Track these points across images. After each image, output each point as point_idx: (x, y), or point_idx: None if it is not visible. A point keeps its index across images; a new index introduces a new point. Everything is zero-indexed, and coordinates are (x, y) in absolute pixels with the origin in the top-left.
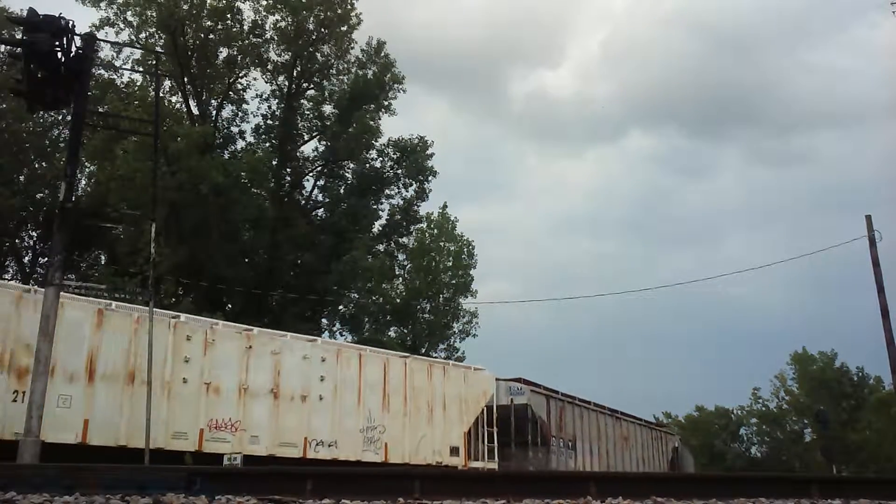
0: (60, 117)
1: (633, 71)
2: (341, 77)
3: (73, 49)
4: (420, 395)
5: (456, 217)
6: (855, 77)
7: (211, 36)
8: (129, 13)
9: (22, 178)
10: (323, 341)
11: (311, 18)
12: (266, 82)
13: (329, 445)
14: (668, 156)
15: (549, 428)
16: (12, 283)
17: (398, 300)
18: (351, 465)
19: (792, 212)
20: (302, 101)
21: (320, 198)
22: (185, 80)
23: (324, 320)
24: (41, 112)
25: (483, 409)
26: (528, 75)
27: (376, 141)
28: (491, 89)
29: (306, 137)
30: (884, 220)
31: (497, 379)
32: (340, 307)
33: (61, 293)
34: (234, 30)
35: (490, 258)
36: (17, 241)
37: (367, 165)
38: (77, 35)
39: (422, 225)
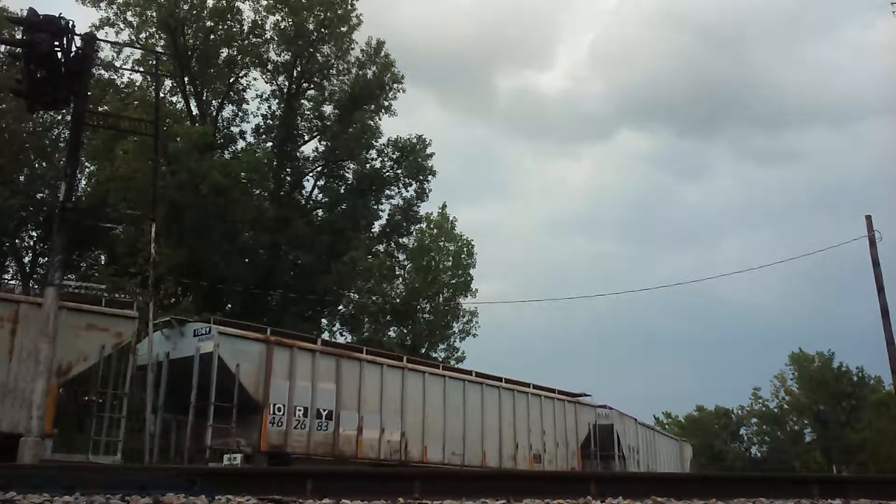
0: (60, 117)
1: (627, 70)
2: (341, 77)
3: (73, 49)
4: None
5: (455, 217)
6: (850, 76)
7: (211, 36)
8: (129, 13)
9: (22, 178)
10: None
11: (311, 19)
12: (266, 82)
13: None
14: (665, 155)
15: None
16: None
17: (398, 300)
18: None
19: (791, 212)
20: (302, 101)
21: (320, 198)
22: (185, 80)
23: (323, 320)
24: (41, 112)
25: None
26: (518, 74)
27: (376, 141)
28: (481, 88)
29: (306, 137)
30: (882, 219)
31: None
32: (340, 307)
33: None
34: (234, 30)
35: (487, 258)
36: (17, 241)
37: (367, 165)
38: (77, 35)
39: (421, 225)
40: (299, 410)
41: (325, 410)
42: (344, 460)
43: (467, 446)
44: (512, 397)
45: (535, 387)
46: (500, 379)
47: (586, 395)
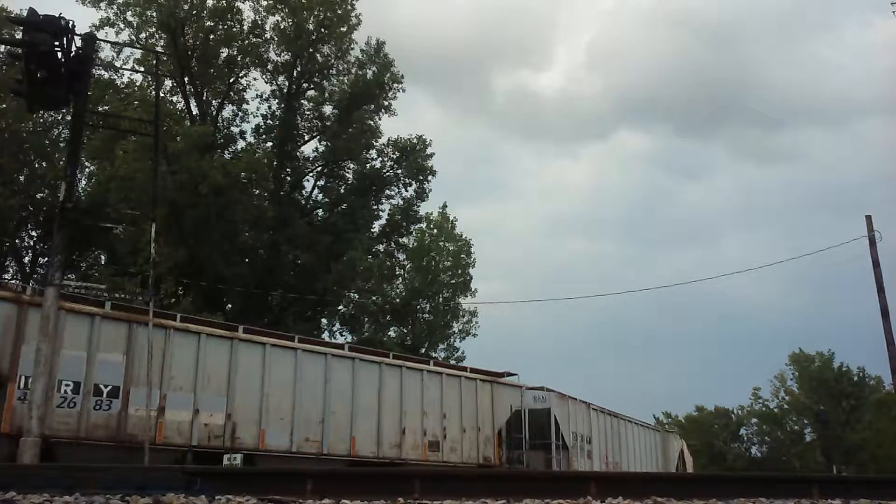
0: (60, 117)
1: (625, 69)
2: (341, 77)
3: (73, 49)
4: None
5: (455, 217)
6: (850, 75)
7: (211, 36)
8: (129, 13)
9: (22, 178)
10: None
11: (311, 19)
12: (266, 82)
13: None
14: (664, 155)
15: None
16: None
17: (398, 300)
18: None
19: (791, 211)
20: (302, 101)
21: (320, 198)
22: (186, 80)
23: (323, 320)
24: (41, 112)
25: None
26: (517, 74)
27: (376, 141)
28: (480, 88)
29: (306, 137)
30: (882, 219)
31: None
32: (340, 307)
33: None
34: (235, 30)
35: (487, 258)
36: (17, 241)
37: (367, 165)
38: (77, 35)
39: (421, 225)
40: (66, 386)
41: (107, 387)
42: (137, 446)
43: (329, 431)
44: (399, 375)
45: (436, 363)
46: (386, 355)
47: (511, 375)
